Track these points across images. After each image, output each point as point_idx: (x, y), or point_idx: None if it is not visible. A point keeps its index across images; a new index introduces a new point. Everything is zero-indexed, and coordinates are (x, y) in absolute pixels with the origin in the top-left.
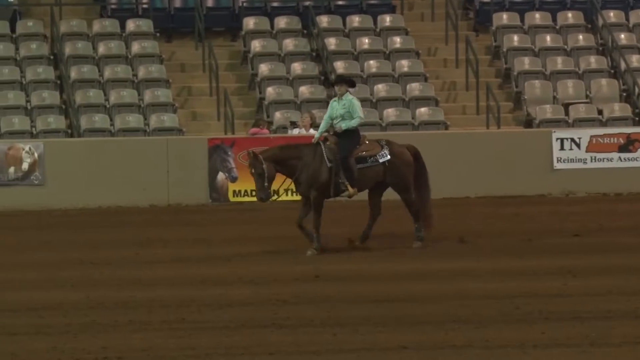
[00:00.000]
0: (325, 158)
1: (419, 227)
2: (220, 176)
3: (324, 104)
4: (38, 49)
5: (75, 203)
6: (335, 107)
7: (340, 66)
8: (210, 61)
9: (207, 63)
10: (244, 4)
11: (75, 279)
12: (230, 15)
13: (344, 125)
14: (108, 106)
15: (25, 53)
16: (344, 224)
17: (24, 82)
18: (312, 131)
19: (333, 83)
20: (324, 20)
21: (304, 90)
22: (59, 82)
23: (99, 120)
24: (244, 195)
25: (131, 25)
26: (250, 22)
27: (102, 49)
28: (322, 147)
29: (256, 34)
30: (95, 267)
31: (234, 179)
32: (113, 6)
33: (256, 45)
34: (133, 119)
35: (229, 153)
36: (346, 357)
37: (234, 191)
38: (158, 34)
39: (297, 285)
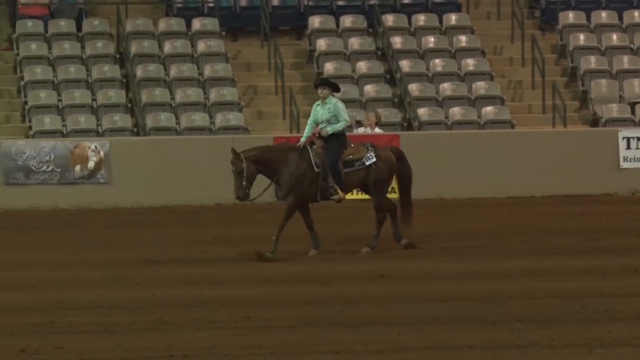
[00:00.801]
0: (313, 163)
1: (377, 234)
2: None
3: (389, 102)
4: (104, 48)
5: (141, 201)
6: (320, 111)
7: (405, 65)
8: (276, 60)
9: (272, 62)
10: (310, 3)
11: (142, 278)
12: (296, 14)
13: (330, 129)
14: (174, 105)
15: (92, 52)
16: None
17: (90, 81)
18: (377, 130)
19: (316, 86)
20: (389, 19)
21: (369, 89)
22: (125, 80)
23: (165, 118)
24: None
25: (197, 24)
26: (315, 21)
27: (167, 47)
28: (310, 151)
29: (322, 32)
30: (162, 265)
31: None
32: (179, 5)
33: (322, 43)
34: (199, 118)
35: None
36: (411, 356)
37: None
38: (224, 33)
39: (363, 284)
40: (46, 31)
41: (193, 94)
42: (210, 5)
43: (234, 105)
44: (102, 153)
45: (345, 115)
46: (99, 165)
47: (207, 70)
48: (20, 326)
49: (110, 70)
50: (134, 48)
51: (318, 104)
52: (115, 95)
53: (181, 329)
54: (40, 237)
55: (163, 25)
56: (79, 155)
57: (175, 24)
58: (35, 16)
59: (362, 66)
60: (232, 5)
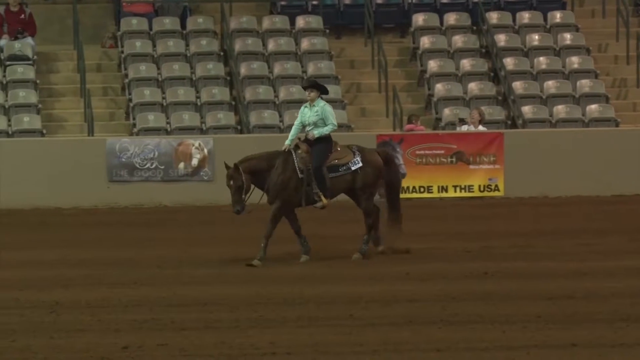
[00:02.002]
0: (297, 168)
1: (367, 239)
2: None
3: (493, 100)
4: (208, 46)
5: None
6: (307, 113)
7: (510, 62)
8: (380, 58)
9: (376, 59)
10: (414, 0)
11: (245, 275)
12: (399, 12)
13: (316, 132)
14: (277, 102)
15: (196, 49)
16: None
17: (194, 79)
18: (481, 127)
19: (304, 88)
20: (493, 17)
21: (473, 86)
22: (228, 78)
23: (268, 116)
24: (412, 192)
25: (301, 21)
26: (419, 19)
27: (271, 45)
28: (294, 156)
29: (425, 30)
30: (264, 262)
31: (402, 176)
32: (283, 3)
33: (425, 41)
34: None
35: (398, 149)
36: (515, 354)
37: (402, 187)
38: (327, 31)
39: (466, 282)
40: (151, 29)
41: (296, 91)
42: (314, 3)
43: (337, 103)
44: (205, 150)
45: (333, 119)
46: (202, 162)
47: (311, 68)
48: (124, 323)
49: (214, 67)
50: (238, 46)
51: (306, 106)
52: (219, 92)
53: (283, 326)
54: (143, 235)
55: (267, 22)
56: (183, 153)
57: (279, 21)
58: (140, 14)
59: (466, 64)
60: (336, 2)
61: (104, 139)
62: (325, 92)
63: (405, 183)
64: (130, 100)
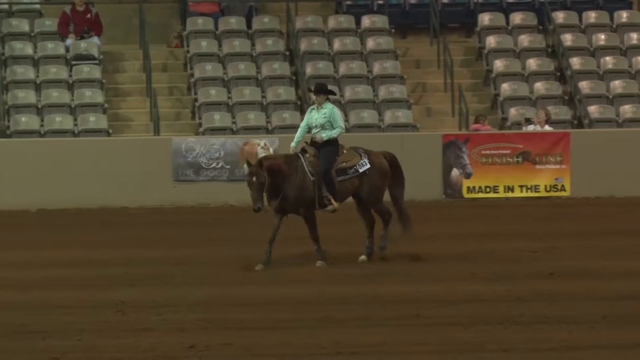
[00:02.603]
0: (307, 171)
1: (386, 235)
2: (455, 172)
3: (559, 100)
4: (274, 45)
5: None
6: (314, 116)
7: (576, 62)
8: (445, 57)
9: (441, 59)
10: (480, 0)
11: (310, 274)
12: (465, 11)
13: (324, 135)
14: (343, 102)
15: (261, 49)
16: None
17: (259, 78)
18: (547, 127)
19: (312, 92)
20: (559, 16)
21: (539, 86)
22: (294, 78)
23: None
24: (478, 192)
25: (366, 21)
26: (485, 18)
27: (337, 45)
28: (302, 159)
29: (491, 29)
30: (330, 262)
31: (468, 175)
32: (349, 2)
33: (491, 41)
34: (367, 115)
35: (464, 149)
36: (582, 355)
37: (468, 187)
38: (393, 30)
39: (532, 282)
40: (216, 28)
41: (362, 91)
42: (380, 2)
43: (403, 102)
44: (271, 150)
45: (341, 122)
46: None
47: (376, 68)
48: (190, 322)
49: (280, 67)
50: (303, 45)
51: (313, 109)
52: (285, 92)
53: (348, 326)
54: (209, 234)
55: (333, 22)
56: (248, 152)
57: (345, 21)
58: (206, 13)
59: (532, 63)
60: (402, 2)
61: (170, 138)
62: (333, 95)
63: (471, 183)
64: (196, 99)
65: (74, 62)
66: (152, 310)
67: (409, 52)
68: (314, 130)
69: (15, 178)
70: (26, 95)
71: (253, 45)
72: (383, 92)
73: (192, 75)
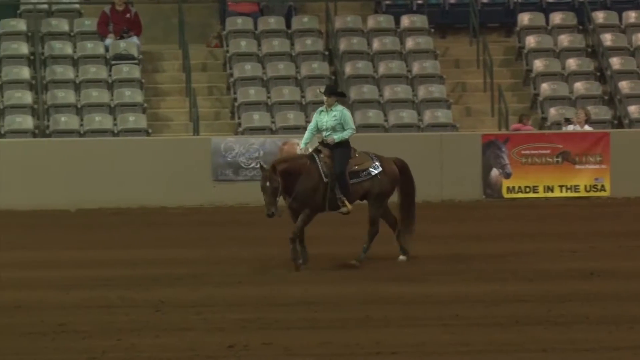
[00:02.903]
0: (322, 173)
1: (368, 247)
2: (494, 172)
3: (599, 100)
4: (313, 45)
5: None
6: (324, 118)
7: (616, 62)
8: (485, 57)
9: (481, 59)
10: (519, 0)
11: (350, 274)
12: (505, 11)
13: (336, 137)
14: (382, 102)
15: (301, 49)
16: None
17: (299, 78)
18: (586, 127)
19: (323, 93)
20: (599, 16)
21: (579, 86)
22: (333, 77)
23: (373, 115)
24: (517, 192)
25: (406, 21)
26: (525, 18)
27: (376, 44)
28: (317, 160)
29: (531, 29)
30: (367, 261)
31: (508, 175)
32: (388, 2)
33: (531, 41)
34: (406, 115)
35: (503, 149)
36: (622, 355)
37: (508, 187)
38: (432, 30)
39: (572, 283)
40: (256, 28)
41: (401, 90)
42: (420, 2)
43: (442, 102)
44: (310, 149)
45: (351, 123)
46: None
47: (416, 67)
48: (229, 322)
49: (319, 67)
50: (342, 45)
51: (322, 110)
52: None
53: (388, 326)
54: (249, 234)
55: (372, 22)
56: (288, 152)
57: (384, 20)
58: (245, 13)
59: (572, 63)
60: (441, 2)
61: (209, 138)
62: (343, 96)
63: (510, 183)
64: (235, 99)
65: (113, 62)
66: (191, 310)
67: (449, 51)
68: (324, 133)
69: (54, 178)
70: (66, 95)
71: (292, 44)
72: (422, 91)
73: (231, 75)
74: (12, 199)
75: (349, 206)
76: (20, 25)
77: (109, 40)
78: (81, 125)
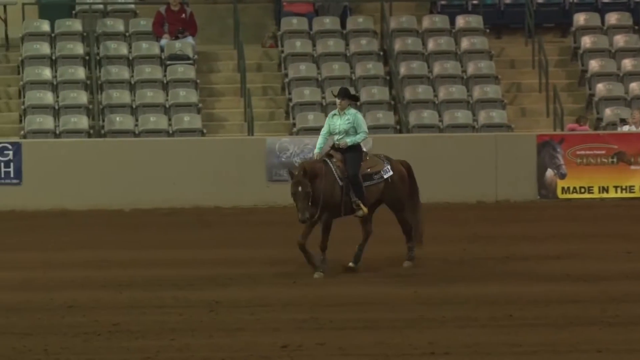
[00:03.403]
0: (337, 176)
1: (412, 246)
2: (549, 173)
3: None
4: (368, 45)
5: None
6: (337, 121)
7: None
8: (540, 57)
9: (536, 59)
10: (575, 0)
11: (403, 275)
12: (560, 11)
13: (349, 140)
14: (437, 102)
15: (355, 49)
16: None
17: (353, 78)
18: None
19: (335, 96)
20: None
21: (635, 87)
22: (388, 77)
23: (428, 116)
24: (572, 192)
25: (461, 21)
26: (580, 18)
27: (431, 45)
28: (331, 164)
29: (586, 30)
30: (424, 262)
31: (563, 176)
32: (443, 2)
33: (586, 41)
34: (461, 115)
35: (558, 150)
36: None
37: (563, 188)
38: (488, 30)
39: (627, 283)
40: (311, 28)
41: (456, 91)
42: (475, 2)
43: (497, 102)
44: (365, 150)
45: (364, 127)
46: None
47: (471, 68)
48: (283, 322)
49: (374, 67)
50: (397, 45)
51: (335, 114)
52: (379, 92)
53: (442, 326)
54: None
55: (427, 22)
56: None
57: (439, 21)
58: (300, 13)
59: (628, 64)
60: (497, 2)
61: (264, 138)
62: (357, 100)
63: (565, 183)
64: (290, 99)
65: (168, 62)
66: (245, 310)
67: (504, 52)
68: (337, 137)
69: (109, 178)
70: (121, 95)
71: (347, 45)
72: (477, 92)
73: (286, 75)
74: (66, 199)
75: (365, 209)
76: (76, 25)
77: (164, 41)
78: (136, 125)
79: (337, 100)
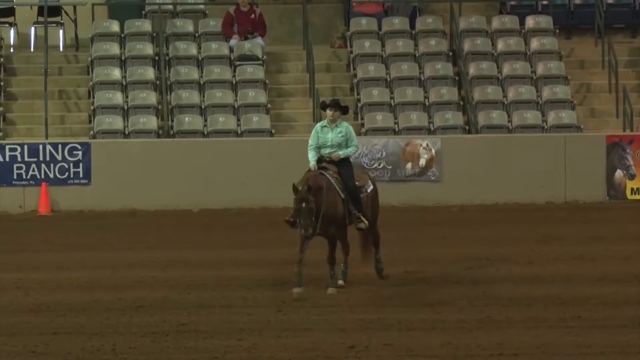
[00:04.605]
0: (338, 189)
1: (380, 257)
2: (618, 174)
3: None
4: (437, 46)
5: (472, 199)
6: (329, 134)
7: None
8: (610, 58)
9: (606, 60)
10: None
11: (472, 275)
12: (631, 12)
13: (342, 153)
14: (506, 103)
15: (425, 49)
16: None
17: (422, 79)
18: None
19: (326, 107)
20: None
21: None
22: (457, 78)
23: (497, 116)
24: None
25: (530, 21)
26: None
27: (500, 45)
28: (329, 177)
29: None
30: (491, 263)
31: (632, 177)
32: (513, 3)
33: None
34: (530, 116)
35: (628, 150)
36: None
37: (632, 189)
38: (557, 31)
39: None
40: (380, 29)
41: (525, 91)
42: (545, 3)
43: (567, 103)
44: (433, 151)
45: (356, 140)
46: (430, 162)
47: (540, 68)
48: (350, 322)
49: (443, 67)
50: (467, 46)
51: (325, 126)
52: (448, 92)
53: (510, 327)
54: None
55: (496, 22)
56: (410, 153)
57: (509, 21)
58: (369, 14)
59: None
60: (567, 3)
61: None
62: (346, 111)
63: (634, 184)
64: (358, 100)
65: (237, 63)
66: (312, 310)
67: (574, 52)
68: (327, 150)
69: (178, 178)
70: (190, 96)
71: (416, 45)
72: (547, 92)
73: (355, 75)
74: (135, 199)
75: (365, 222)
76: (145, 25)
77: (233, 41)
78: (205, 125)
79: (329, 112)
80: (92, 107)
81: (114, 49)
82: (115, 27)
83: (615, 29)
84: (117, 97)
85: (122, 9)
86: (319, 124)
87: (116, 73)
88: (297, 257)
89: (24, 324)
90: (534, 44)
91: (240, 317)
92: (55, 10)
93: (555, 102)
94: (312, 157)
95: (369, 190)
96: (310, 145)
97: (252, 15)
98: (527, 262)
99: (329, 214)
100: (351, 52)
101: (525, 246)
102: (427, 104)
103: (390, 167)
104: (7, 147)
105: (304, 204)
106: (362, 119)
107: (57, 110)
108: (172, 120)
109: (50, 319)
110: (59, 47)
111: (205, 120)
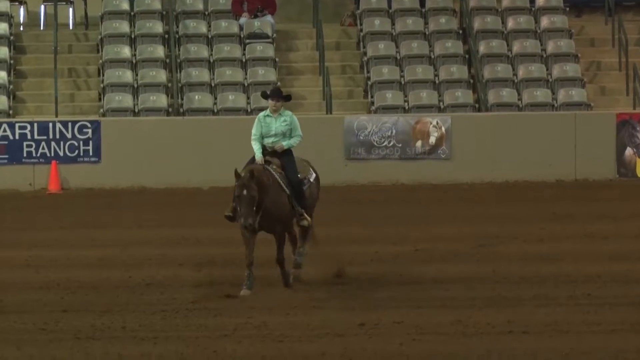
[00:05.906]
0: (282, 185)
1: (304, 250)
2: (628, 151)
3: None
4: (447, 23)
5: (482, 177)
6: (272, 123)
7: None
8: (620, 36)
9: (616, 38)
10: None
11: (481, 253)
12: None
13: (285, 144)
14: (516, 81)
15: (434, 27)
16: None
17: (432, 57)
18: None
19: (268, 96)
20: None
21: None
22: (467, 56)
23: (507, 94)
24: None
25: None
26: None
27: (511, 23)
28: (272, 171)
29: None
30: (501, 240)
31: None
32: None
33: None
34: (540, 94)
35: (638, 128)
36: None
37: None
38: (567, 9)
39: None
40: (390, 7)
41: (535, 69)
42: None
43: (577, 81)
44: (443, 129)
45: (299, 130)
46: (440, 141)
47: (550, 46)
48: (361, 300)
49: (453, 45)
50: (477, 24)
51: (268, 115)
52: (458, 71)
53: (520, 305)
54: (381, 212)
55: (507, 0)
56: (420, 131)
57: None
58: None
59: None
60: None
61: (342, 117)
62: (289, 99)
63: None
64: (368, 78)
65: (247, 41)
66: (322, 288)
67: (584, 30)
68: (271, 139)
69: (188, 156)
70: (199, 74)
71: (426, 23)
72: (557, 70)
73: (365, 53)
74: (144, 177)
75: (309, 219)
76: (155, 3)
77: (243, 19)
78: (215, 103)
79: (271, 102)
80: (101, 85)
81: (124, 26)
82: (125, 4)
83: (625, 7)
84: (127, 75)
85: None
86: (261, 114)
87: (126, 51)
88: (246, 260)
89: (34, 302)
90: (544, 21)
91: (250, 295)
92: None
93: (565, 80)
94: (257, 148)
95: (311, 180)
96: (254, 136)
97: None
98: (537, 240)
99: (274, 213)
100: (361, 30)
101: (535, 224)
102: (437, 82)
103: (400, 145)
104: (17, 125)
105: (245, 191)
106: (372, 97)
107: (67, 88)
108: (182, 98)
109: (61, 297)
110: (68, 25)
111: (215, 98)
